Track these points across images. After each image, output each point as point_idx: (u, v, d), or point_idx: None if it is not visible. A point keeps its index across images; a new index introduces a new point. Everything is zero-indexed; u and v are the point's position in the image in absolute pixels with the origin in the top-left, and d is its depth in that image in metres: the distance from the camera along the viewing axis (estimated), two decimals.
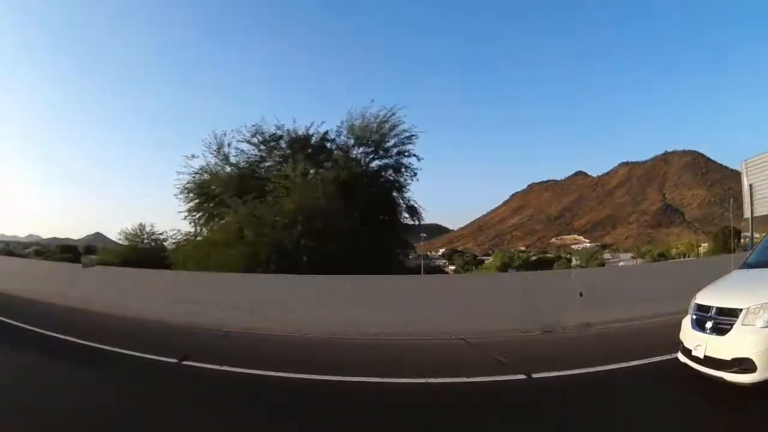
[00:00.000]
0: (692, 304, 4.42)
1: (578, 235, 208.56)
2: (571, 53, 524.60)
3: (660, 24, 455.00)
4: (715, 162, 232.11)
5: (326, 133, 17.03)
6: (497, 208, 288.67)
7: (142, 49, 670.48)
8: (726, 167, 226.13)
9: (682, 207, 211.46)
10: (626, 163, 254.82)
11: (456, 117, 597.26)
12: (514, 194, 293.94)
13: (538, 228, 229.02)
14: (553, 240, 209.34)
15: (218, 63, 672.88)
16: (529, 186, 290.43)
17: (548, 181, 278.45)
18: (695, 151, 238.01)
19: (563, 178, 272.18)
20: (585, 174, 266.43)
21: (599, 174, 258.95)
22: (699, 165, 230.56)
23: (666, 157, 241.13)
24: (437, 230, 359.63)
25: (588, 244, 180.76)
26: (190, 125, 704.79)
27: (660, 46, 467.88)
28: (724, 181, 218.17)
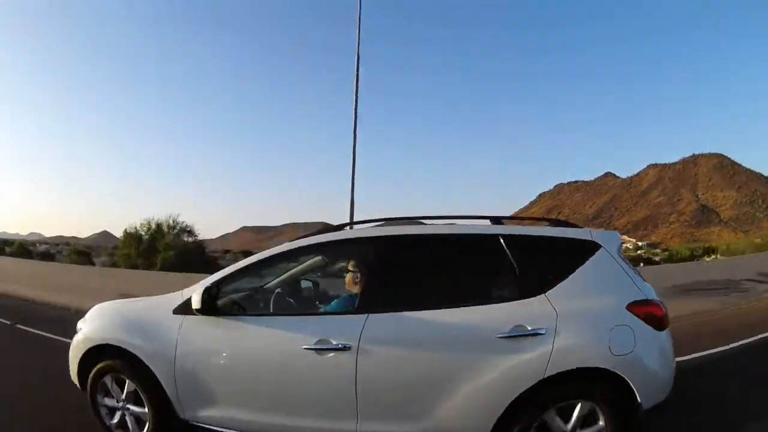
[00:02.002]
0: None
1: (621, 234, 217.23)
2: (590, 54, 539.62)
3: (682, 32, 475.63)
4: (740, 165, 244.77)
5: None
6: (526, 208, 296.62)
7: (145, 48, 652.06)
8: (750, 170, 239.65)
9: (716, 208, 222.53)
10: (655, 165, 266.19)
11: (472, 117, 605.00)
12: (541, 194, 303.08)
13: None
14: None
15: (219, 64, 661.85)
16: (556, 186, 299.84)
17: (577, 181, 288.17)
18: (721, 154, 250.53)
19: (593, 179, 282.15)
20: (614, 175, 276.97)
21: (629, 175, 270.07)
22: (726, 167, 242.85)
23: (695, 160, 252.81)
24: None
25: (639, 243, 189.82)
26: (191, 126, 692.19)
27: (680, 50, 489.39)
28: (750, 184, 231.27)
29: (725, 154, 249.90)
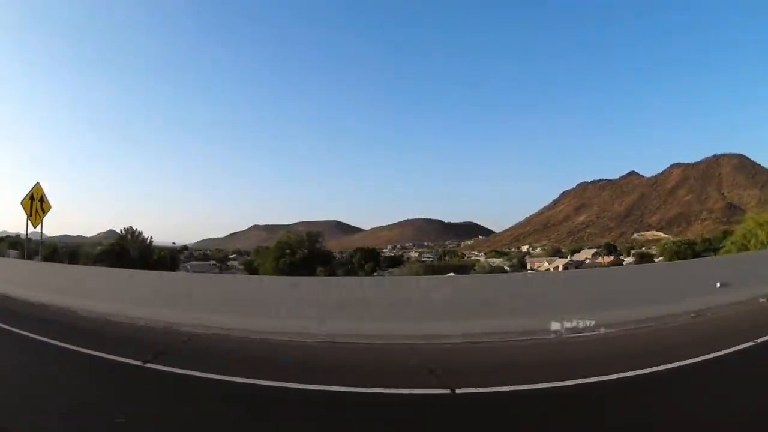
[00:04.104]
0: None
1: (656, 231, 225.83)
2: (608, 56, 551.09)
3: (701, 35, 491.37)
4: (760, 165, 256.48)
5: None
6: (550, 206, 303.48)
7: (144, 45, 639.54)
8: None
9: (742, 206, 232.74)
10: (678, 165, 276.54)
11: (484, 119, 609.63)
12: (564, 192, 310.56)
13: (611, 225, 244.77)
14: (635, 236, 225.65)
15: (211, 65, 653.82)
16: (579, 185, 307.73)
17: (601, 180, 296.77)
18: (741, 155, 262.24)
19: (617, 177, 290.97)
20: (638, 174, 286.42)
21: (653, 174, 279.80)
22: (747, 167, 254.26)
23: (717, 160, 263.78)
24: (474, 229, 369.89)
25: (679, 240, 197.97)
26: (194, 124, 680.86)
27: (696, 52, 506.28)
28: None
29: (745, 155, 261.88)
